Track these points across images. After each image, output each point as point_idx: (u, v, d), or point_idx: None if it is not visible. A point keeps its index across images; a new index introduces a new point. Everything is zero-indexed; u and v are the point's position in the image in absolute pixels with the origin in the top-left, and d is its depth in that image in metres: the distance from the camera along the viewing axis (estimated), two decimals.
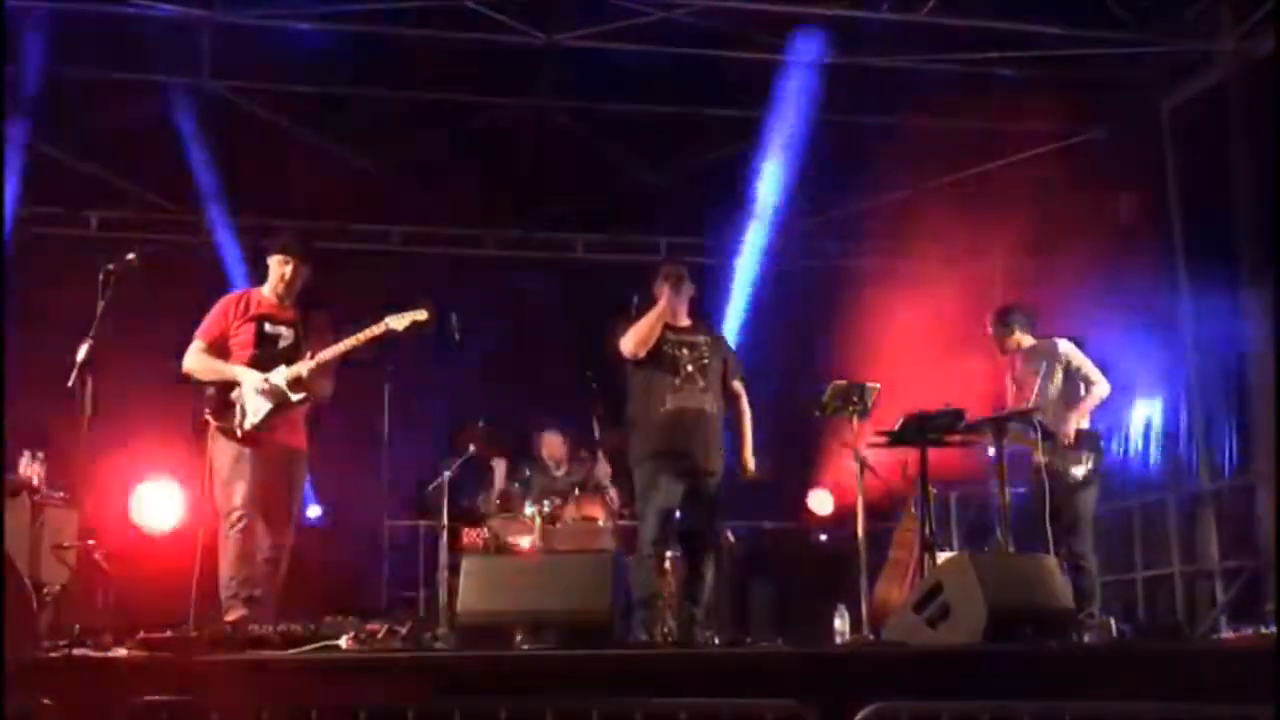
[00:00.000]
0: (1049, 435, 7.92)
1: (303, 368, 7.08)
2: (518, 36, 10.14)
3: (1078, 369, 8.23)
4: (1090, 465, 8.04)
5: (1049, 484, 7.81)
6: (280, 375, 7.07)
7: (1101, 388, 8.22)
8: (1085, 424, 8.16)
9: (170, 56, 10.26)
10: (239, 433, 6.98)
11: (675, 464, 7.33)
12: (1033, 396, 8.07)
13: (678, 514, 7.39)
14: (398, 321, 7.14)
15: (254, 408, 7.00)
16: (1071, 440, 8.03)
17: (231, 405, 7.03)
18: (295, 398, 7.08)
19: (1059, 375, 8.23)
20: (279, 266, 7.27)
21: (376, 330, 7.13)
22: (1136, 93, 11.17)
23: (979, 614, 5.70)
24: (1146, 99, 11.14)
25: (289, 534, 7.10)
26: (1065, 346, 8.32)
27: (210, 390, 7.08)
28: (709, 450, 7.41)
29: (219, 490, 6.98)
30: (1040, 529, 7.71)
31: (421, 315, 7.21)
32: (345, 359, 7.18)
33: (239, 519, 6.86)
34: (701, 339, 7.56)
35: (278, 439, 7.07)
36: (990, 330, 8.60)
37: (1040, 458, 7.85)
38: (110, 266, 6.40)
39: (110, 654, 5.42)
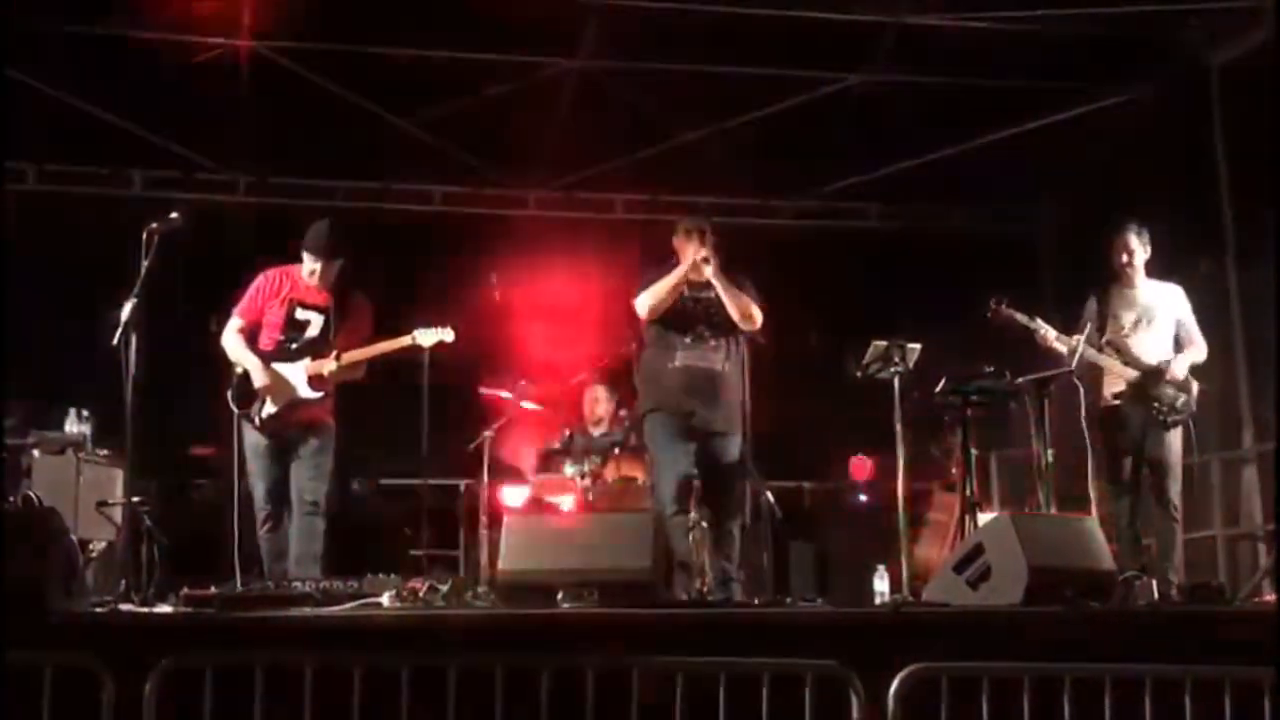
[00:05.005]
0: (1150, 370, 7.93)
1: (324, 367, 7.16)
2: None
3: (1185, 320, 8.18)
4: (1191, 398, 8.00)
5: (1143, 419, 7.85)
6: (300, 373, 7.17)
7: (1201, 349, 8.17)
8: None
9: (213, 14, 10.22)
10: (257, 421, 7.16)
11: (680, 422, 7.26)
12: (1077, 340, 7.92)
13: (696, 479, 7.35)
14: (425, 338, 7.34)
15: (272, 400, 7.17)
16: (1177, 378, 7.98)
17: (252, 393, 7.18)
18: (313, 396, 7.17)
19: (1172, 320, 8.16)
20: (309, 262, 7.32)
21: (404, 342, 7.33)
22: (1185, 51, 10.98)
23: (1020, 576, 5.68)
24: (1195, 57, 10.96)
25: (320, 491, 7.20)
26: (1182, 294, 8.27)
27: (236, 374, 7.25)
28: (717, 410, 7.30)
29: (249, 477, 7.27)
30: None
31: (449, 336, 7.39)
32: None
33: (263, 520, 7.17)
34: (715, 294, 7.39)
35: (299, 419, 7.23)
36: (1122, 243, 8.27)
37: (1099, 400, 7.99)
38: (154, 225, 6.44)
39: (154, 610, 5.47)
